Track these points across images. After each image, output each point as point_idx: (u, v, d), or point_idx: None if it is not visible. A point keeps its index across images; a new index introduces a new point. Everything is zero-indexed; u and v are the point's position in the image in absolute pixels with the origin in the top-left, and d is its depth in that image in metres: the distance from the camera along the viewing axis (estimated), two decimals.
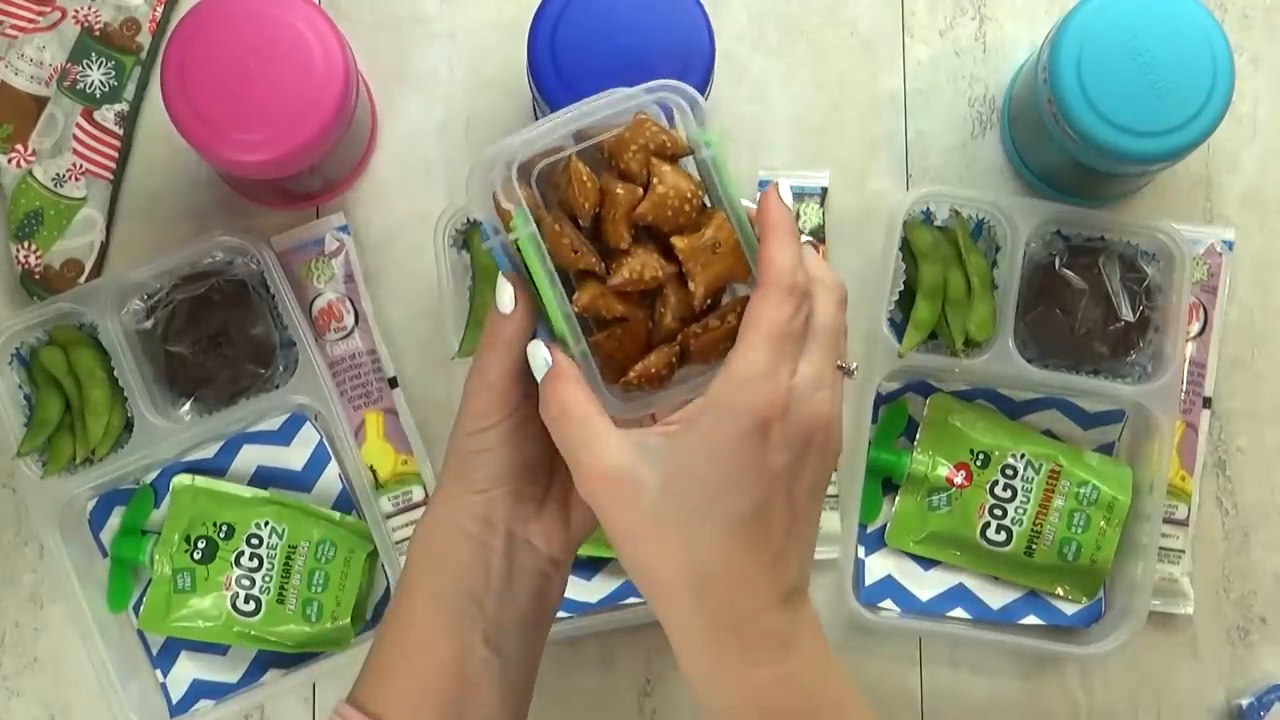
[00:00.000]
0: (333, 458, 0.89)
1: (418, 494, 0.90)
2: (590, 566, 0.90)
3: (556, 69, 0.79)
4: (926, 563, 0.90)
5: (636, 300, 0.62)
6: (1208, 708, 0.92)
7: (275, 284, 0.87)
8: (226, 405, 0.88)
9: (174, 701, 0.89)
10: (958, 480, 0.89)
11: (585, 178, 0.61)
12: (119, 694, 0.85)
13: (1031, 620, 0.90)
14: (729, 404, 0.58)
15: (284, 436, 0.89)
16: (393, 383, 0.91)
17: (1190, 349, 0.91)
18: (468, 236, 0.88)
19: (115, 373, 0.87)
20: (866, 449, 0.88)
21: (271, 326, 0.89)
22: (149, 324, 0.89)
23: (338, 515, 0.89)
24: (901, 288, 0.89)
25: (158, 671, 0.89)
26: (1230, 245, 0.92)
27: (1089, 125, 0.80)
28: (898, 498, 0.90)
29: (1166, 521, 0.89)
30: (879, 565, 0.90)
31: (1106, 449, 0.91)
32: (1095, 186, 0.89)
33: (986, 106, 0.94)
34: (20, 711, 0.90)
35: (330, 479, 0.89)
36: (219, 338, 0.88)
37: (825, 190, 0.92)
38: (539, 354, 0.61)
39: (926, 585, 0.90)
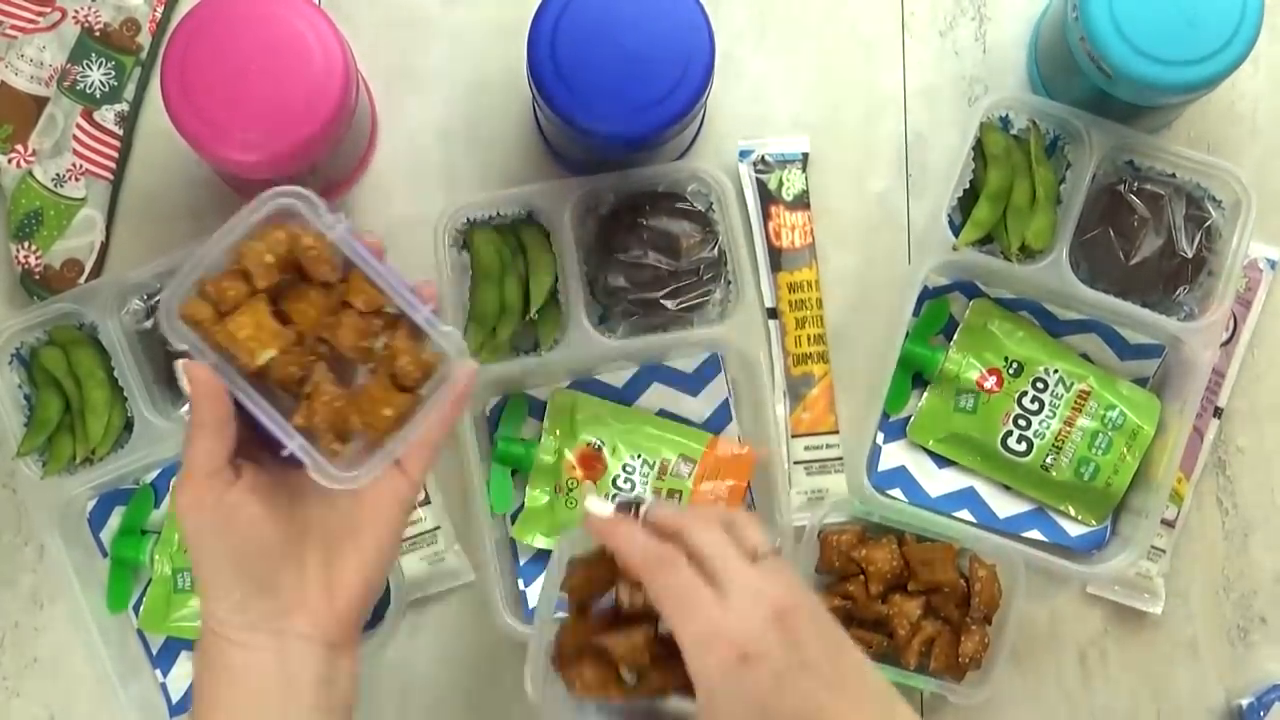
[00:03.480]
0: None
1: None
2: None
3: (556, 69, 0.79)
4: (942, 461, 0.91)
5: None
6: (1208, 708, 0.92)
7: None
8: None
9: (174, 701, 0.89)
10: (987, 385, 0.90)
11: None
12: (119, 694, 0.85)
13: (1035, 535, 0.90)
14: (706, 678, 0.62)
15: None
16: None
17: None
18: (468, 236, 0.88)
19: (115, 373, 0.87)
20: (903, 339, 0.89)
21: None
22: (149, 324, 0.89)
23: None
24: (966, 187, 0.90)
25: (157, 671, 0.89)
26: (1274, 264, 0.92)
27: (1124, 58, 0.80)
28: (925, 394, 0.91)
29: None
30: (895, 455, 0.91)
31: (1140, 383, 0.91)
32: (1124, 123, 0.89)
33: None
34: (20, 711, 0.90)
35: None
36: None
37: (806, 156, 0.92)
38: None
39: (938, 483, 0.91)
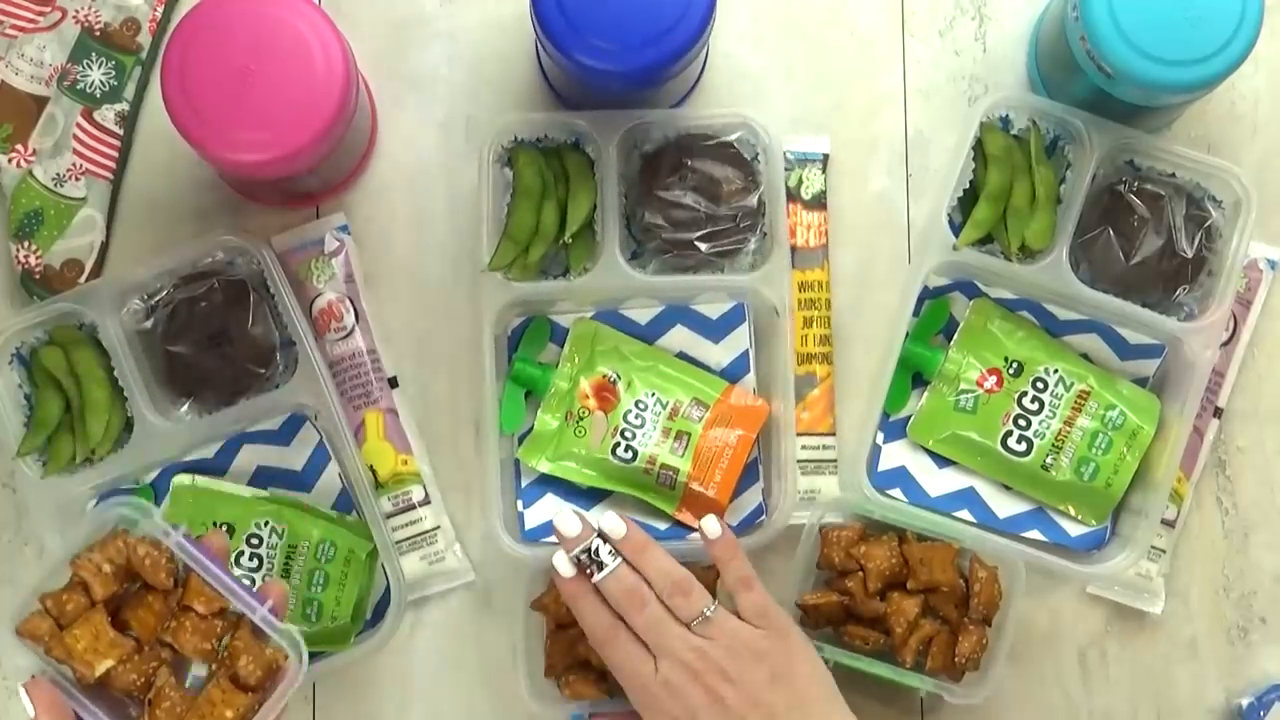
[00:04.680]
0: (333, 458, 0.89)
1: (417, 494, 0.90)
2: (590, 497, 0.90)
3: (559, 4, 0.79)
4: (942, 461, 0.91)
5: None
6: (1208, 708, 0.92)
7: (275, 284, 0.87)
8: (226, 405, 0.88)
9: None
10: (988, 384, 0.90)
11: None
12: None
13: (1035, 535, 0.90)
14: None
15: (284, 436, 0.89)
16: (393, 382, 0.91)
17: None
18: (513, 154, 0.89)
19: (115, 373, 0.87)
20: (903, 339, 0.89)
21: (271, 326, 0.89)
22: (149, 324, 0.89)
23: (337, 515, 0.89)
24: (967, 187, 0.90)
25: None
26: (1274, 264, 0.92)
27: (1124, 58, 0.80)
28: (926, 394, 0.91)
29: None
30: (895, 454, 0.91)
31: (1140, 383, 0.91)
32: (1125, 123, 0.89)
33: None
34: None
35: (330, 479, 0.89)
36: (219, 338, 0.88)
37: (827, 156, 0.92)
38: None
39: (938, 483, 0.91)
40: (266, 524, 0.87)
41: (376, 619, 0.89)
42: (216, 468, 0.89)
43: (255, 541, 0.87)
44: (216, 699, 0.70)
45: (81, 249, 0.90)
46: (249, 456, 0.89)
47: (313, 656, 0.87)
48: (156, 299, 0.89)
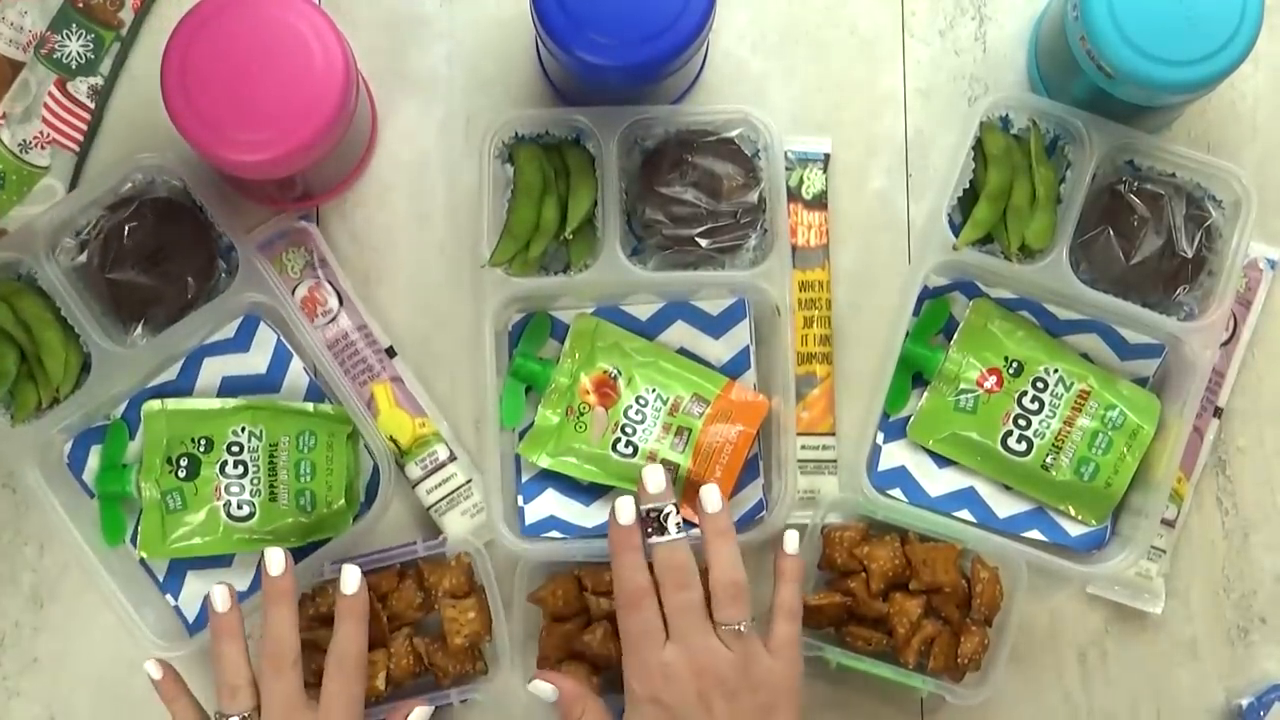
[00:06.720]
0: (294, 353, 0.89)
1: (442, 452, 0.90)
2: (590, 492, 0.90)
3: (562, 7, 0.79)
4: (942, 461, 0.91)
5: None
6: (1208, 708, 0.92)
7: (198, 196, 0.87)
8: (177, 321, 0.88)
9: (190, 620, 0.88)
10: (988, 384, 0.90)
11: None
12: (138, 624, 0.85)
13: (1035, 535, 0.90)
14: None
15: (242, 342, 0.89)
16: (390, 351, 0.91)
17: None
18: (513, 151, 0.89)
19: (63, 313, 0.86)
20: (903, 339, 0.89)
21: (207, 235, 0.89)
22: (84, 258, 0.88)
23: (311, 406, 0.89)
24: (967, 186, 0.90)
25: (168, 596, 0.89)
26: (1274, 264, 0.92)
27: (1124, 58, 0.80)
28: (926, 394, 0.91)
29: None
30: (895, 454, 0.91)
31: (1140, 383, 0.91)
32: (1125, 123, 0.89)
33: None
34: (20, 711, 0.90)
35: (296, 373, 0.89)
36: (157, 257, 0.88)
37: (828, 156, 0.92)
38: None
39: (938, 483, 0.91)
40: (244, 429, 0.88)
41: (370, 499, 0.89)
42: (182, 388, 0.89)
43: (236, 449, 0.87)
44: None
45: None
46: (212, 369, 0.89)
47: (315, 545, 0.88)
48: (87, 232, 0.88)
